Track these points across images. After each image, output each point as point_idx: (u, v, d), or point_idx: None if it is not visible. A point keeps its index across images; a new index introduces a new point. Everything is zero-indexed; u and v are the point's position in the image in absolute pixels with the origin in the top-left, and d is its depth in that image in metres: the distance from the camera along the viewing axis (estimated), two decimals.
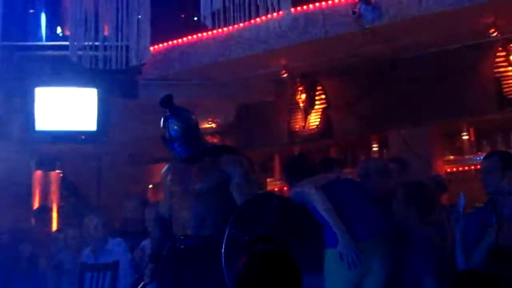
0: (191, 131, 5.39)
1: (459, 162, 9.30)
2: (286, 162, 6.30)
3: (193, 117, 5.47)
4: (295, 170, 5.55)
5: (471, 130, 9.30)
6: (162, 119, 5.41)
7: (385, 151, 9.82)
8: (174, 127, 5.36)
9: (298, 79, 10.25)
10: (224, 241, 4.81)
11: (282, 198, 5.87)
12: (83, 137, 9.98)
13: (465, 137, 9.32)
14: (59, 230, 8.24)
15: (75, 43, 7.00)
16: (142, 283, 5.58)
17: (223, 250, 4.79)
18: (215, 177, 5.37)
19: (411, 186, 5.53)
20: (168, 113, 5.39)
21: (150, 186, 11.82)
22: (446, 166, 9.37)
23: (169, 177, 5.57)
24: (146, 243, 6.44)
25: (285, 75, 9.83)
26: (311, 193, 5.11)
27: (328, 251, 5.11)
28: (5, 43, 8.76)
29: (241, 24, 7.22)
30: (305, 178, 5.34)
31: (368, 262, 5.05)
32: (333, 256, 5.06)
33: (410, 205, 5.30)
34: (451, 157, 9.43)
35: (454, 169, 9.29)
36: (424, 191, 5.56)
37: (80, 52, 7.09)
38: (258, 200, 5.25)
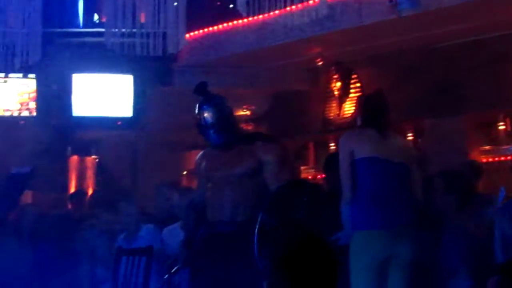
0: (226, 118, 5.41)
1: (495, 152, 9.22)
2: (366, 97, 5.81)
3: (228, 104, 5.50)
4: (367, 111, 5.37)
5: (508, 120, 9.21)
6: (196, 106, 5.45)
7: (420, 140, 9.77)
8: (209, 114, 5.39)
9: (333, 67, 10.22)
10: (257, 227, 4.85)
11: (315, 186, 5.87)
12: (119, 123, 10.09)
13: (502, 127, 9.23)
14: (93, 215, 8.31)
15: (112, 30, 7.06)
16: (176, 268, 5.63)
17: (255, 236, 4.82)
18: (250, 164, 5.39)
19: (450, 175, 5.49)
20: (202, 100, 5.43)
21: (184, 172, 11.88)
22: (482, 156, 9.28)
23: (203, 164, 5.60)
24: (166, 230, 6.47)
25: (320, 63, 9.80)
26: (343, 178, 5.10)
27: (355, 233, 5.09)
28: (44, 30, 8.88)
29: (277, 12, 7.22)
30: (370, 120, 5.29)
31: (394, 246, 5.01)
32: (359, 239, 5.05)
33: (451, 194, 5.26)
34: (487, 147, 9.35)
35: (490, 160, 9.21)
36: (463, 179, 5.54)
37: (116, 39, 7.15)
38: (291, 188, 5.27)
